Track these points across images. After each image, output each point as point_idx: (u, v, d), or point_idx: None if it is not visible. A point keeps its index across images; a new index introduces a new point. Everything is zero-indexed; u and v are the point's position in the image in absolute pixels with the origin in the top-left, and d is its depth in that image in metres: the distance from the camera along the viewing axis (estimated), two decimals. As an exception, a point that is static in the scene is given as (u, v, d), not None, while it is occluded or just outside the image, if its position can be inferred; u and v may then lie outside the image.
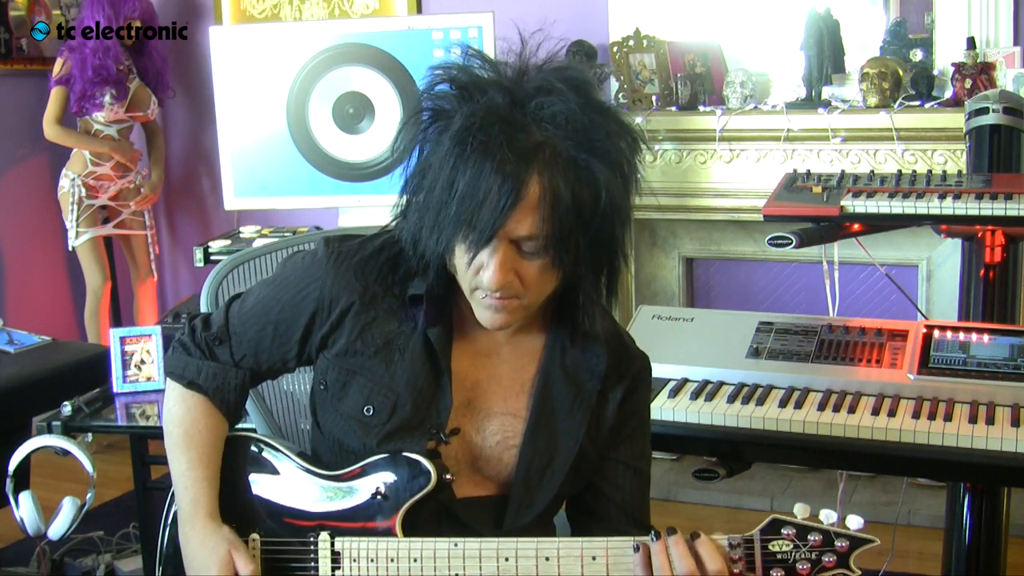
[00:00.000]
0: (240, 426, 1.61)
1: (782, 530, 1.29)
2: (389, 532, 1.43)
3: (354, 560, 1.43)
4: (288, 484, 1.51)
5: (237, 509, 1.51)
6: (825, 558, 1.28)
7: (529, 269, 1.35)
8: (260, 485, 1.52)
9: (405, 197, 1.41)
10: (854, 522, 1.29)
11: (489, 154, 1.28)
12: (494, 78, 1.35)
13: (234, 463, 1.54)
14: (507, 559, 1.37)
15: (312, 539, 1.46)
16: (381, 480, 1.45)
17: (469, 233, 1.31)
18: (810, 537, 1.29)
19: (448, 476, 1.44)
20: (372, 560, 1.42)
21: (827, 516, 1.30)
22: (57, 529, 2.37)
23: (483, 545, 1.38)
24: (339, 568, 1.43)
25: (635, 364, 1.56)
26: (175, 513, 1.57)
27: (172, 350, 1.59)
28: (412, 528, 1.43)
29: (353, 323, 1.47)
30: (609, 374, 1.51)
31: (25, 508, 2.39)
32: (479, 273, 1.35)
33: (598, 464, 1.53)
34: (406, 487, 1.43)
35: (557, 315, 1.50)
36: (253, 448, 1.55)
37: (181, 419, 1.53)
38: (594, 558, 1.35)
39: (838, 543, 1.28)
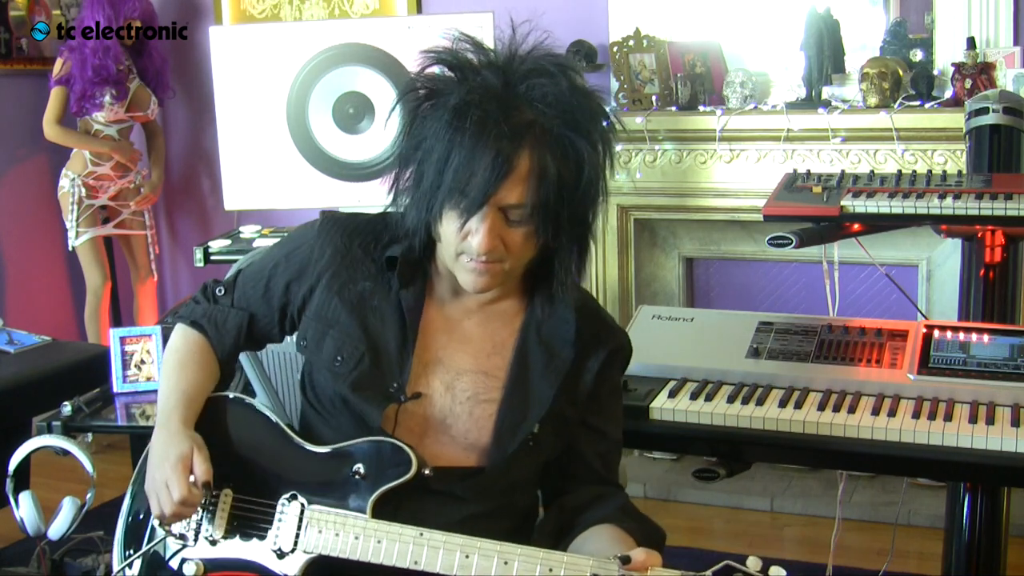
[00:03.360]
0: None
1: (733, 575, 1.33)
2: (360, 511, 1.48)
3: (319, 531, 1.48)
4: (271, 449, 1.57)
5: (218, 465, 1.54)
6: None
7: (514, 236, 1.46)
8: (244, 446, 1.58)
9: (397, 171, 1.51)
10: None
11: (485, 129, 1.39)
12: (487, 61, 1.46)
13: (223, 422, 1.60)
14: (467, 556, 1.41)
15: (283, 503, 1.51)
16: (363, 460, 1.50)
17: (462, 200, 1.42)
18: None
19: (427, 471, 1.49)
20: (337, 534, 1.47)
21: (777, 572, 1.34)
22: (57, 529, 2.37)
23: (448, 539, 1.42)
24: (301, 535, 1.48)
25: (615, 338, 1.65)
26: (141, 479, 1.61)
27: (184, 306, 1.73)
28: (383, 503, 1.48)
29: (332, 281, 1.59)
30: (586, 340, 1.59)
31: (25, 508, 2.39)
32: (467, 239, 1.45)
33: (574, 429, 1.60)
34: (385, 473, 1.48)
35: (532, 287, 1.59)
36: (243, 411, 1.61)
37: (178, 348, 1.66)
38: (551, 570, 1.38)
39: None
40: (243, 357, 2.11)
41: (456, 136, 1.41)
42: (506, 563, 1.39)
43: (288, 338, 1.72)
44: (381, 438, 1.51)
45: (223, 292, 1.69)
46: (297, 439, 1.57)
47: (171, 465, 1.49)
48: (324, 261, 1.59)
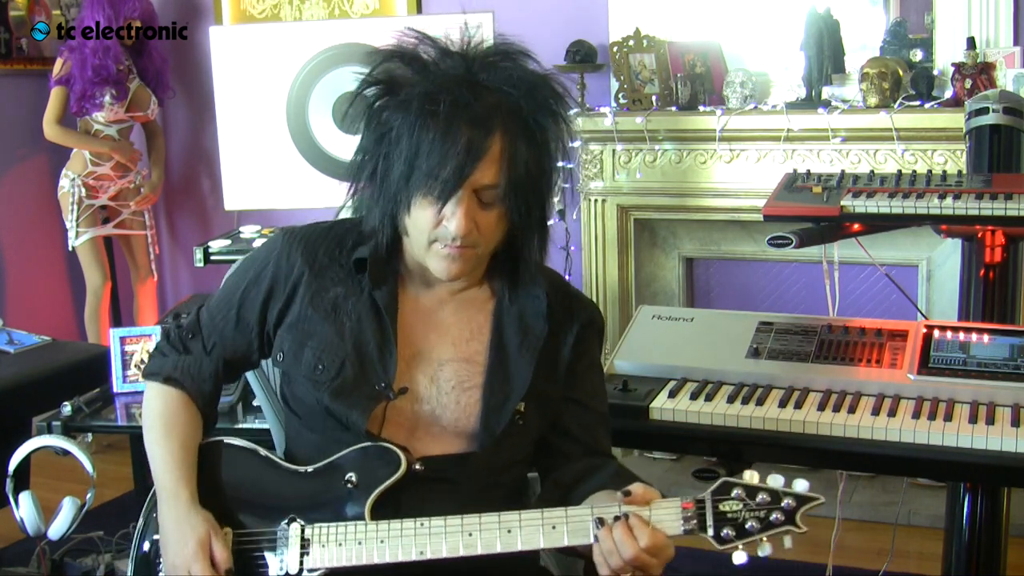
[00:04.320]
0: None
1: (732, 491, 1.36)
2: (359, 518, 1.48)
3: (323, 546, 1.47)
4: (262, 481, 1.56)
5: (211, 509, 1.54)
6: (773, 516, 1.34)
7: (487, 219, 1.48)
8: (236, 485, 1.57)
9: (357, 169, 1.52)
10: (800, 484, 1.36)
11: (456, 113, 1.41)
12: (445, 52, 1.49)
13: (212, 467, 1.59)
14: (471, 534, 1.42)
15: (283, 529, 1.50)
16: (353, 469, 1.50)
17: (436, 186, 1.43)
18: (759, 497, 1.35)
19: (417, 466, 1.50)
20: (340, 544, 1.47)
21: (774, 479, 1.37)
22: (57, 529, 2.38)
23: (448, 522, 1.43)
24: (307, 554, 1.48)
25: (585, 310, 1.66)
26: (154, 517, 1.59)
27: (150, 358, 1.69)
28: (381, 504, 1.49)
29: (304, 292, 1.59)
30: (559, 315, 1.61)
31: (25, 508, 2.39)
32: (441, 224, 1.46)
33: (557, 405, 1.61)
34: (376, 475, 1.49)
35: (499, 272, 1.61)
36: (228, 451, 1.60)
37: (161, 413, 1.62)
38: (554, 527, 1.40)
39: (785, 502, 1.35)
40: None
41: (428, 122, 1.42)
42: (509, 531, 1.41)
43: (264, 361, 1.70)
44: (367, 443, 1.51)
45: (191, 337, 1.66)
46: (285, 464, 1.56)
47: (191, 552, 1.48)
48: (294, 274, 1.59)
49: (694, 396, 1.94)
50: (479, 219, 1.47)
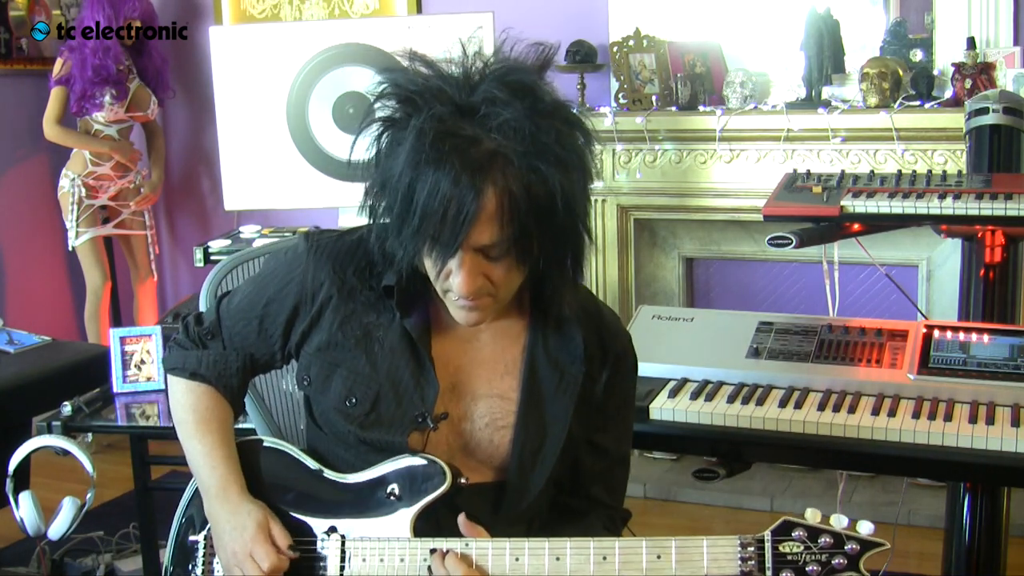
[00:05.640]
0: (242, 425, 1.63)
1: (793, 532, 1.31)
2: (400, 531, 1.44)
3: (363, 560, 1.44)
4: (303, 487, 1.52)
5: None
6: (836, 560, 1.29)
7: (496, 271, 1.38)
8: (276, 489, 1.54)
9: (370, 201, 1.43)
10: (865, 527, 1.30)
11: (443, 169, 1.29)
12: (440, 87, 1.35)
13: (252, 468, 1.56)
14: (517, 559, 1.38)
15: (323, 539, 1.47)
16: (396, 481, 1.46)
17: (434, 246, 1.34)
18: (821, 539, 1.30)
19: (463, 480, 1.46)
20: (381, 560, 1.43)
21: (838, 520, 1.31)
22: (57, 529, 2.38)
23: (494, 545, 1.39)
24: (346, 567, 1.44)
25: (618, 341, 1.59)
26: (188, 515, 1.58)
27: (169, 349, 1.64)
28: (423, 520, 1.45)
29: (333, 316, 1.51)
30: (592, 354, 1.54)
31: (25, 508, 2.39)
32: (449, 279, 1.38)
33: (579, 443, 1.56)
34: (420, 488, 1.45)
35: (533, 300, 1.53)
36: (269, 454, 1.57)
37: (193, 407, 1.58)
38: (604, 558, 1.36)
39: (848, 546, 1.30)
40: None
41: (415, 179, 1.31)
42: (558, 559, 1.37)
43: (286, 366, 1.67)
44: (411, 457, 1.47)
45: (211, 337, 1.60)
46: (327, 472, 1.52)
47: (251, 536, 1.45)
48: (321, 295, 1.51)
49: (694, 396, 1.94)
50: (488, 272, 1.37)
